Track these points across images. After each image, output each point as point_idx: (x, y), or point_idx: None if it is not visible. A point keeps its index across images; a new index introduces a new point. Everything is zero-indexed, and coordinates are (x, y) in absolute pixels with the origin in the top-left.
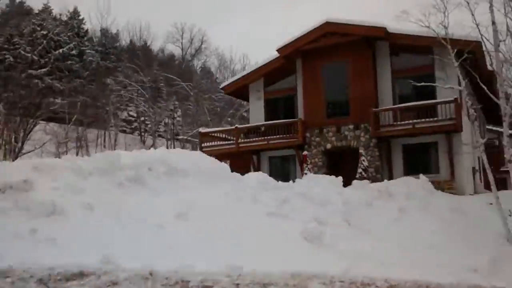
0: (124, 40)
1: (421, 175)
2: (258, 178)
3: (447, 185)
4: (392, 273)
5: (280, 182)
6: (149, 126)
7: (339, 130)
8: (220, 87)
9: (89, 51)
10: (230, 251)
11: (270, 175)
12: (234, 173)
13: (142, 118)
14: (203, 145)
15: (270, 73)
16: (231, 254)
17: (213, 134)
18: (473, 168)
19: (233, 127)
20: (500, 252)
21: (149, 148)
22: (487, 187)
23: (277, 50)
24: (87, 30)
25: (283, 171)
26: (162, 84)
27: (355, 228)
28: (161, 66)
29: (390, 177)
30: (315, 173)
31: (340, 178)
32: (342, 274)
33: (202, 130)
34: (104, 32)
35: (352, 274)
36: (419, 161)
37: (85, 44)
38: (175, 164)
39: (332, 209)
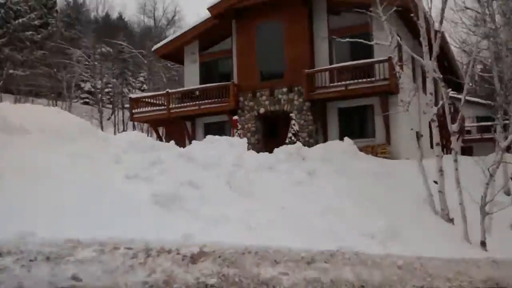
0: (99, 12)
1: (345, 138)
2: (129, 138)
3: (381, 149)
4: (254, 240)
5: (163, 142)
6: (114, 97)
7: (272, 93)
8: (152, 49)
9: (53, 21)
10: (37, 217)
11: None
12: (101, 132)
13: (107, 90)
14: (134, 111)
15: (206, 35)
16: (36, 220)
17: (144, 100)
18: (417, 133)
19: (164, 91)
20: (413, 217)
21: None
22: (447, 152)
23: (208, 9)
24: (55, 1)
25: None
26: (128, 55)
27: (238, 191)
28: (131, 36)
29: (325, 142)
30: (247, 139)
31: (245, 140)
32: (180, 241)
33: (133, 95)
34: (70, 2)
35: (193, 241)
36: (355, 125)
37: (53, 15)
38: (12, 120)
39: (217, 171)
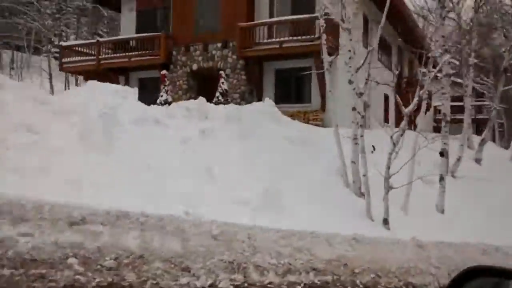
0: None
1: (266, 99)
2: None
3: (313, 116)
4: (69, 197)
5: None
6: None
7: (206, 48)
8: None
9: None
10: None
11: (140, 99)
12: None
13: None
14: (64, 60)
15: None
16: None
17: (76, 49)
18: (365, 102)
19: (95, 40)
20: (316, 187)
21: None
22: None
23: None
24: None
25: (154, 96)
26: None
27: (89, 144)
28: None
29: None
30: (179, 97)
31: (135, 89)
32: None
33: (64, 43)
34: None
35: None
36: (292, 89)
37: None
38: None
39: (74, 120)
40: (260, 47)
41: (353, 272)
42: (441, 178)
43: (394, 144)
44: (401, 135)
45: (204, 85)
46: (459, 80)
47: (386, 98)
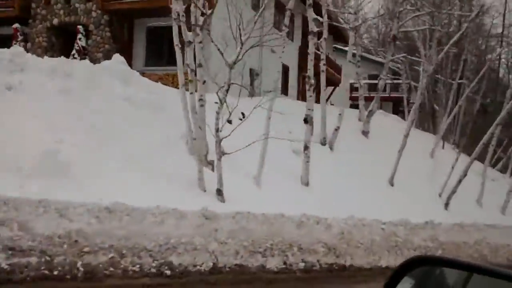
0: None
1: (116, 55)
2: None
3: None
4: None
5: None
6: None
7: (69, 1)
8: None
9: None
10: None
11: None
12: None
13: None
14: None
15: None
16: None
17: None
18: (252, 70)
19: None
20: (146, 155)
21: None
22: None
23: None
24: None
25: None
26: None
27: None
28: None
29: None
30: (38, 56)
31: None
32: None
33: None
34: None
35: None
36: (165, 50)
37: None
38: None
39: None
40: (125, 0)
41: (81, 252)
42: (306, 147)
43: (221, 102)
44: (227, 90)
45: (68, 43)
46: (370, 57)
47: (286, 69)
